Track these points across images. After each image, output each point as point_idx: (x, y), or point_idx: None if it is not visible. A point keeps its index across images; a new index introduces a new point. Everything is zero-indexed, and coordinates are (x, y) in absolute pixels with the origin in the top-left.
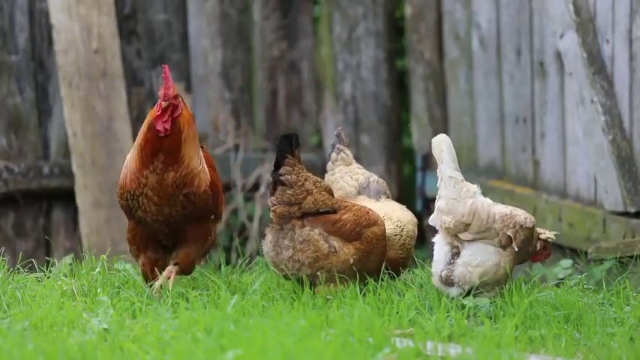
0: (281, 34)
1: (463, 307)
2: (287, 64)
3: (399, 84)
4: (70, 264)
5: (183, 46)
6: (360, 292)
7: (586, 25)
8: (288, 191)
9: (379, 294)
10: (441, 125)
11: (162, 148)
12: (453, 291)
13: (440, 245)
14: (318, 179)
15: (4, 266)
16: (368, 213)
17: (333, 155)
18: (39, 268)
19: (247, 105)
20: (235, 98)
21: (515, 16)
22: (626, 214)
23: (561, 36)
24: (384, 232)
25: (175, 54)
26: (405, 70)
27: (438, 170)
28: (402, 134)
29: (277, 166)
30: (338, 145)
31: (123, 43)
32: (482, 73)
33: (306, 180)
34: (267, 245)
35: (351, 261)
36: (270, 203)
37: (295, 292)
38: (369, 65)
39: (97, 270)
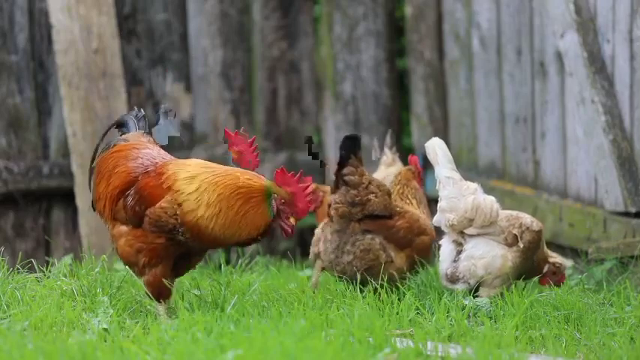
0: (281, 34)
1: (463, 307)
2: (287, 64)
3: (399, 84)
4: (70, 264)
5: (183, 46)
6: (361, 293)
7: (586, 25)
8: (352, 191)
9: (379, 294)
10: (441, 125)
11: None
12: (459, 287)
13: (445, 245)
14: (382, 183)
15: (3, 266)
16: (419, 221)
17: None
18: (39, 268)
19: (247, 105)
20: (235, 98)
21: (516, 16)
22: (626, 214)
23: (562, 36)
24: (432, 240)
25: (175, 54)
26: (405, 70)
27: (435, 173)
28: (402, 134)
29: (341, 165)
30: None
31: (123, 43)
32: (482, 73)
33: (370, 183)
34: (326, 245)
35: (405, 268)
36: (332, 201)
37: (295, 292)
38: (369, 65)
39: (96, 270)
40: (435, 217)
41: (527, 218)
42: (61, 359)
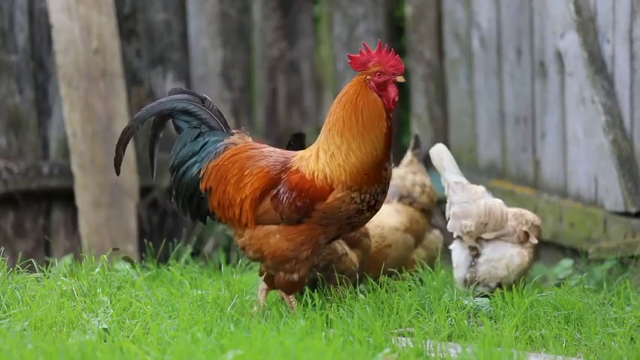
0: (281, 34)
1: (463, 307)
2: (287, 64)
3: (399, 84)
4: (70, 264)
5: (183, 46)
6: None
7: (587, 25)
8: None
9: (379, 294)
10: (441, 125)
11: (392, 130)
12: (480, 289)
13: (458, 251)
14: None
15: (3, 266)
16: None
17: None
18: (38, 268)
19: (247, 105)
20: (235, 98)
21: (516, 16)
22: (626, 214)
23: (562, 36)
24: (371, 245)
25: (175, 54)
26: (405, 70)
27: (442, 179)
28: (402, 134)
29: None
30: None
31: (123, 43)
32: (482, 72)
33: None
34: None
35: (355, 267)
36: None
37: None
38: None
39: (96, 270)
40: (450, 223)
41: (529, 214)
42: (60, 359)
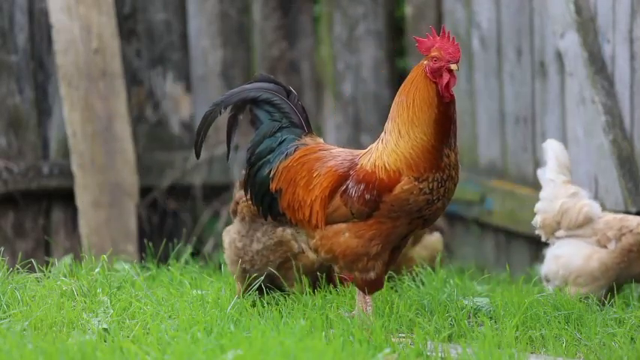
0: (281, 34)
1: (463, 307)
2: (287, 64)
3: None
4: (70, 264)
5: (183, 46)
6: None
7: (587, 25)
8: None
9: (379, 294)
10: None
11: (450, 117)
12: (549, 287)
13: (549, 247)
14: None
15: (3, 266)
16: None
17: None
18: (38, 268)
19: None
20: None
21: (516, 16)
22: (627, 214)
23: (562, 36)
24: None
25: (175, 54)
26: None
27: (540, 172)
28: None
29: None
30: None
31: (123, 43)
32: (482, 72)
33: None
34: (231, 235)
35: (315, 265)
36: (244, 197)
37: (294, 293)
38: (369, 65)
39: (96, 270)
40: (534, 219)
41: (632, 221)
42: (60, 359)
